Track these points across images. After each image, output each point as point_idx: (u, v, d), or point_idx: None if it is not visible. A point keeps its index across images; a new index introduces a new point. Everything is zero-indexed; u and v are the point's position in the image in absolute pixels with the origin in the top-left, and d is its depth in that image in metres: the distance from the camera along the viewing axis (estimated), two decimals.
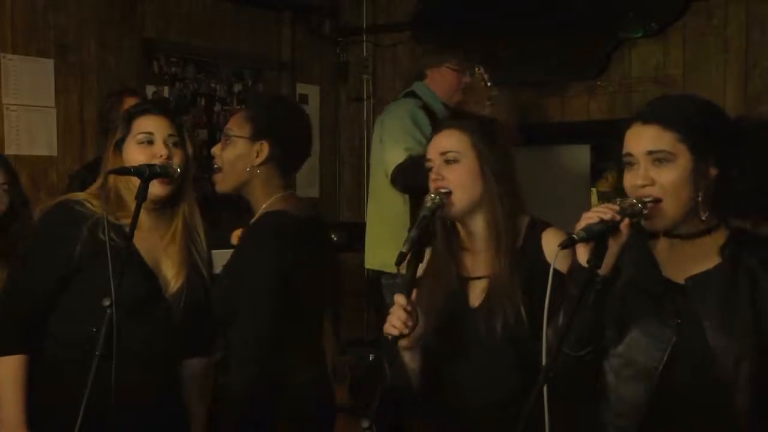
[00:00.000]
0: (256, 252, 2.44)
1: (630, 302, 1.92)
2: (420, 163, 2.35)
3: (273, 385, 2.42)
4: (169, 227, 2.50)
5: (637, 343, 1.90)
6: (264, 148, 2.50)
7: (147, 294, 2.43)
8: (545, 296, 2.02)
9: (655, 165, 1.86)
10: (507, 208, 2.23)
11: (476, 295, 2.24)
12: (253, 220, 2.55)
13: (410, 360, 2.22)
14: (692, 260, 1.92)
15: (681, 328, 1.87)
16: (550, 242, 2.19)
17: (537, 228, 2.26)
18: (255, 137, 2.50)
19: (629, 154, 1.90)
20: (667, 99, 2.02)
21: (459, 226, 2.28)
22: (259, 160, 2.50)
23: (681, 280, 1.92)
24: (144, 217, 2.41)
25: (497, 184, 2.23)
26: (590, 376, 1.95)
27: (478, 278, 2.25)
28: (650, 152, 1.87)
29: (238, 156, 2.51)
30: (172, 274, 2.46)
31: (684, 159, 1.86)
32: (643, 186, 1.86)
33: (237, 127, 2.54)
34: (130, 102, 3.86)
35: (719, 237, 1.92)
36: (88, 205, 2.42)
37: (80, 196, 2.47)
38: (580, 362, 1.90)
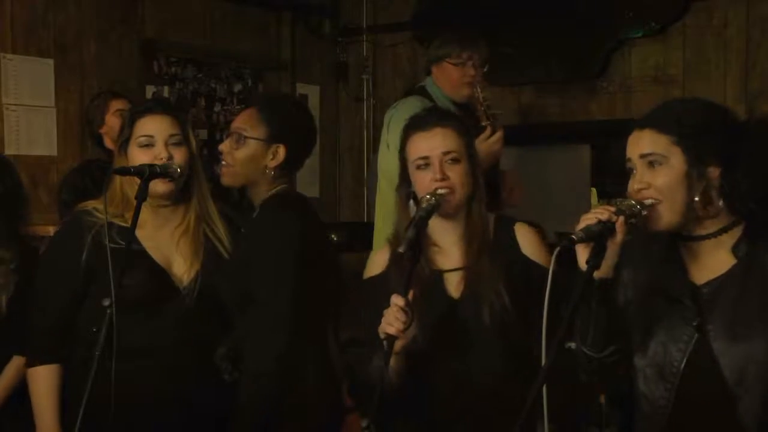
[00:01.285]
0: (275, 228, 2.43)
1: (655, 304, 1.95)
2: None
3: (290, 378, 2.38)
4: (180, 223, 2.52)
5: (660, 344, 1.93)
6: (280, 152, 2.50)
7: (157, 291, 2.45)
8: (526, 290, 2.19)
9: (650, 168, 1.89)
10: (486, 202, 2.31)
11: (455, 286, 2.27)
12: (262, 201, 2.54)
13: (395, 362, 2.19)
14: (711, 261, 1.93)
15: (701, 330, 1.89)
16: (525, 236, 2.32)
17: (506, 222, 2.35)
18: (271, 140, 2.50)
19: (628, 160, 1.94)
20: (665, 104, 2.03)
21: (433, 222, 2.26)
22: (274, 163, 2.51)
23: (701, 283, 1.93)
24: (150, 215, 2.46)
25: (481, 180, 2.30)
26: (623, 378, 1.97)
27: (452, 270, 2.27)
28: (643, 155, 1.90)
29: (252, 157, 2.51)
30: (184, 269, 2.48)
31: (677, 160, 1.87)
32: (640, 190, 1.88)
33: (251, 127, 2.52)
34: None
35: (735, 235, 1.92)
36: (96, 212, 2.46)
37: (90, 204, 2.52)
38: (604, 363, 1.92)
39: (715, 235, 1.91)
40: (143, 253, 2.45)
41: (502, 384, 2.20)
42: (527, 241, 2.32)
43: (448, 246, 2.30)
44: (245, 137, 2.51)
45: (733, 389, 1.84)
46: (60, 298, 2.49)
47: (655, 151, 1.88)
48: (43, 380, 2.47)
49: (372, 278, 2.35)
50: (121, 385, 2.33)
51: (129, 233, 2.28)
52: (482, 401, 2.21)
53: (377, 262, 2.36)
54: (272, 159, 2.51)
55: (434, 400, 2.24)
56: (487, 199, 2.33)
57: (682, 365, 1.89)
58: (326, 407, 2.53)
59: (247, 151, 2.51)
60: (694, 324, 1.89)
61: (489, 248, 2.27)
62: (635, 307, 1.98)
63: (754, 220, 1.91)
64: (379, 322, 2.14)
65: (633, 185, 1.90)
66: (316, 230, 2.57)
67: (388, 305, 2.15)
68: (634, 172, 1.92)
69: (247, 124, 2.54)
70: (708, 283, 1.92)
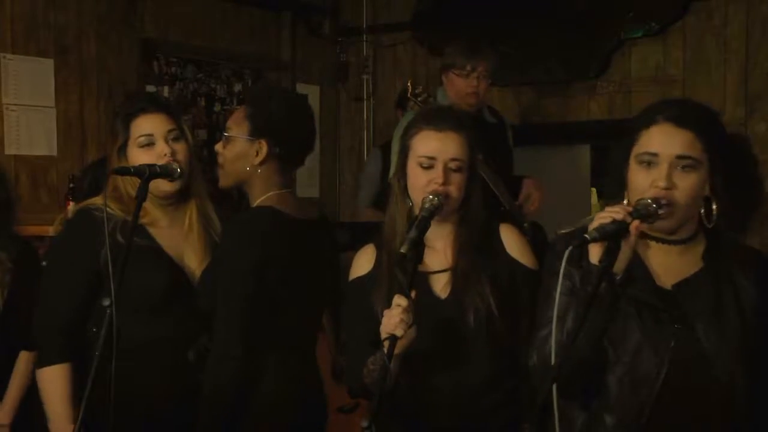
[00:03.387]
0: (232, 245, 2.43)
1: (629, 311, 1.92)
2: None
3: (247, 385, 2.37)
4: (185, 219, 2.55)
5: (638, 351, 1.90)
6: (263, 147, 2.48)
7: (176, 286, 2.48)
8: (512, 291, 2.23)
9: (681, 170, 1.86)
10: (482, 204, 2.31)
11: (441, 287, 2.27)
12: (233, 216, 2.55)
13: (394, 363, 2.19)
14: (679, 266, 1.95)
15: (678, 334, 1.88)
16: (510, 237, 2.33)
17: (492, 222, 2.35)
18: (253, 136, 2.49)
19: (653, 154, 1.88)
20: (695, 106, 1.99)
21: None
22: (258, 159, 2.49)
23: (668, 286, 1.94)
24: (160, 214, 2.52)
25: (478, 188, 2.30)
26: (593, 377, 1.95)
27: (438, 272, 2.27)
28: (680, 157, 1.86)
29: (238, 155, 2.50)
30: (196, 264, 2.51)
31: (704, 169, 1.88)
32: (666, 188, 1.85)
33: (236, 125, 2.53)
34: None
35: (700, 242, 1.96)
36: (108, 209, 2.44)
37: (97, 201, 2.51)
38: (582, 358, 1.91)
39: (685, 241, 1.94)
40: (160, 251, 2.49)
41: (488, 385, 2.22)
42: (512, 242, 2.32)
43: (439, 247, 2.30)
44: (230, 136, 2.51)
45: (722, 378, 1.85)
46: (73, 296, 2.47)
47: (693, 156, 1.86)
48: (56, 382, 2.44)
49: (358, 279, 2.34)
50: (142, 381, 2.38)
51: (129, 233, 2.27)
52: (469, 402, 2.21)
53: (362, 262, 2.36)
54: (256, 156, 2.49)
55: (423, 401, 2.24)
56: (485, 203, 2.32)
57: (663, 371, 1.87)
58: (293, 411, 2.49)
59: (233, 150, 2.51)
60: (671, 330, 1.88)
61: (477, 250, 2.27)
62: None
63: (717, 234, 1.94)
64: (364, 323, 2.14)
65: (657, 181, 1.86)
66: (288, 244, 2.47)
67: (372, 306, 2.15)
68: (655, 166, 1.87)
69: (233, 122, 2.54)
70: (677, 284, 1.93)
